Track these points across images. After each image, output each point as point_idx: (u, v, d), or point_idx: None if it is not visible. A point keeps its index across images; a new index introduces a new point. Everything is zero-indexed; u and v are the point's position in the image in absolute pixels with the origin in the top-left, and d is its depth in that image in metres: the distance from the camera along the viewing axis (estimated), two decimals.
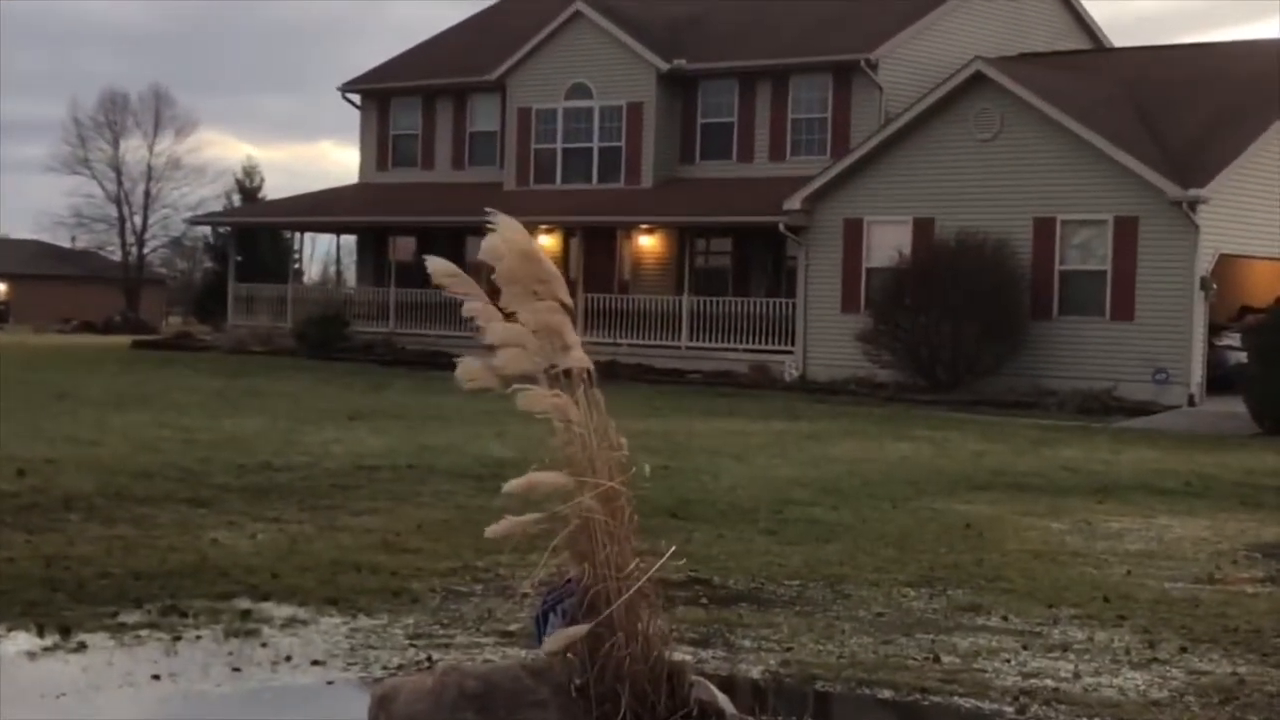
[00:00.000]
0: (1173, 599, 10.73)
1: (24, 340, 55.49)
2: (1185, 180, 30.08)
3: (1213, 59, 36.13)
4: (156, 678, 8.06)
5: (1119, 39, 42.76)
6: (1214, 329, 31.31)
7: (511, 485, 6.49)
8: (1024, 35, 38.52)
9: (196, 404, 25.12)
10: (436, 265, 6.72)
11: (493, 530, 6.53)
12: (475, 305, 6.70)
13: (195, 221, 63.22)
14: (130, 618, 9.26)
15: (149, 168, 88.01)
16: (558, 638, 6.33)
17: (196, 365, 37.64)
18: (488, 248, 6.60)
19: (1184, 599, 10.74)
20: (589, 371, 6.61)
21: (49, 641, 8.68)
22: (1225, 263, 31.24)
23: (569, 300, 6.75)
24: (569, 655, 6.43)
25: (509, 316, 6.66)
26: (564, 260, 39.46)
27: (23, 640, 8.75)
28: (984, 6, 38.41)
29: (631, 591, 6.44)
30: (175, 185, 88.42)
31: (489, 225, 6.67)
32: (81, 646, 8.59)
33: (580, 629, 6.31)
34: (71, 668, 8.22)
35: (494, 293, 6.72)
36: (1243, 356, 28.56)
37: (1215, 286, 30.70)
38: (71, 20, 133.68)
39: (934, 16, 37.32)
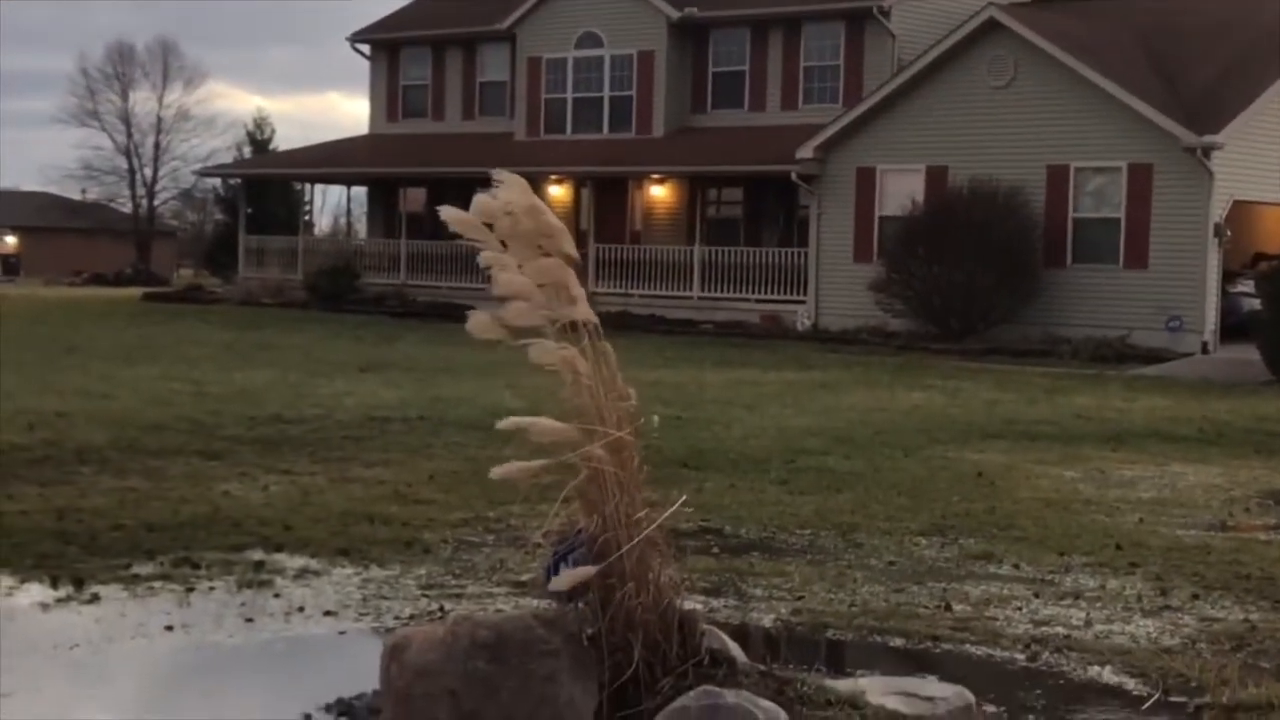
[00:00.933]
0: (1185, 546, 10.75)
1: (34, 293, 55.57)
2: (1199, 127, 29.96)
3: (1227, 6, 35.86)
4: (169, 629, 8.11)
5: None
6: (1228, 276, 31.23)
7: (505, 424, 6.51)
8: None
9: (207, 357, 25.17)
10: (451, 214, 6.71)
11: (497, 471, 6.54)
12: (489, 254, 6.70)
13: (205, 173, 63.01)
14: (143, 569, 9.31)
15: (158, 119, 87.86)
16: (565, 577, 6.35)
17: (207, 317, 37.68)
18: (478, 206, 6.59)
19: (1196, 546, 10.76)
20: (595, 324, 6.62)
21: (62, 593, 8.73)
22: (1239, 209, 31.14)
23: (574, 254, 6.74)
24: (580, 605, 6.45)
25: (522, 266, 6.66)
26: (575, 210, 39.42)
27: (36, 592, 8.81)
28: None
29: (640, 539, 6.45)
30: (185, 137, 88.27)
31: (495, 181, 6.67)
32: (95, 598, 8.64)
33: (589, 569, 6.32)
34: (84, 619, 8.27)
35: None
36: (1256, 303, 28.45)
37: (1229, 233, 30.62)
38: None
39: None
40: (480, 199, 6.64)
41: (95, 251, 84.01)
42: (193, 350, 26.54)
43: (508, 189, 6.65)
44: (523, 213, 6.61)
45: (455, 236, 6.84)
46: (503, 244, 6.67)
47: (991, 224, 31.21)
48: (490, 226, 6.63)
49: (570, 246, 6.72)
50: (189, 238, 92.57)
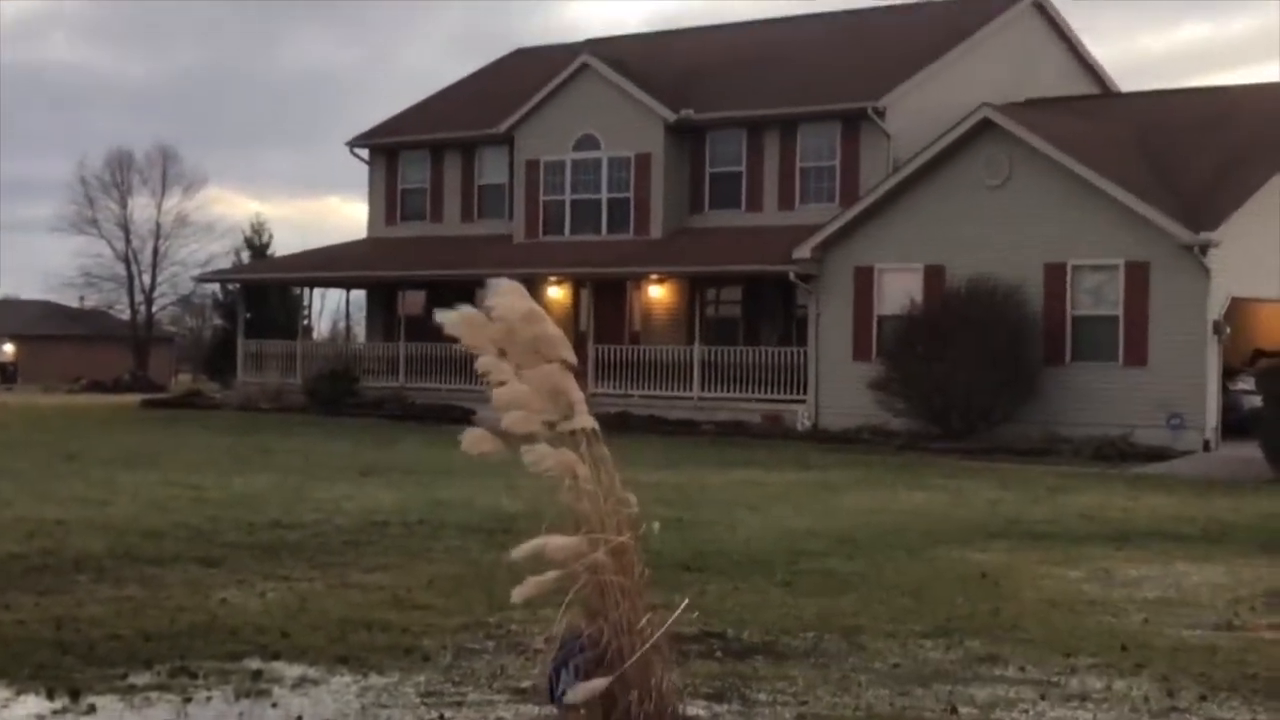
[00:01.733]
0: (1191, 646, 10.68)
1: (33, 400, 55.56)
2: (1195, 224, 30.13)
3: (1220, 103, 36.26)
4: None
5: (1125, 83, 43.00)
6: (1228, 373, 31.27)
7: (521, 550, 6.49)
8: (1030, 80, 38.63)
9: (206, 462, 25.12)
10: (450, 317, 6.73)
11: (518, 593, 6.52)
12: (486, 360, 6.72)
13: (204, 279, 63.24)
14: (140, 679, 9.23)
15: (157, 225, 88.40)
16: (580, 690, 6.31)
17: (206, 423, 37.66)
18: (444, 318, 6.61)
19: (1202, 646, 10.69)
20: (594, 430, 6.63)
21: (58, 704, 8.64)
22: (1237, 306, 31.25)
23: (573, 359, 6.76)
24: (583, 712, 6.41)
25: (521, 372, 6.68)
26: (574, 311, 39.54)
27: (32, 703, 8.72)
28: (990, 52, 38.59)
29: (645, 647, 6.42)
30: (183, 243, 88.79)
31: (488, 288, 6.70)
32: (91, 709, 8.55)
33: (601, 682, 6.29)
34: None
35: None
36: (1257, 400, 28.50)
37: (1228, 330, 30.70)
38: (76, 79, 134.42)
39: (941, 64, 37.50)
40: (445, 316, 6.67)
41: (93, 358, 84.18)
42: (191, 456, 26.50)
43: (505, 295, 6.68)
44: (520, 320, 6.64)
45: (455, 339, 6.86)
46: (500, 350, 6.70)
47: (990, 323, 31.31)
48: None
49: (568, 353, 6.75)
50: (187, 343, 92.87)
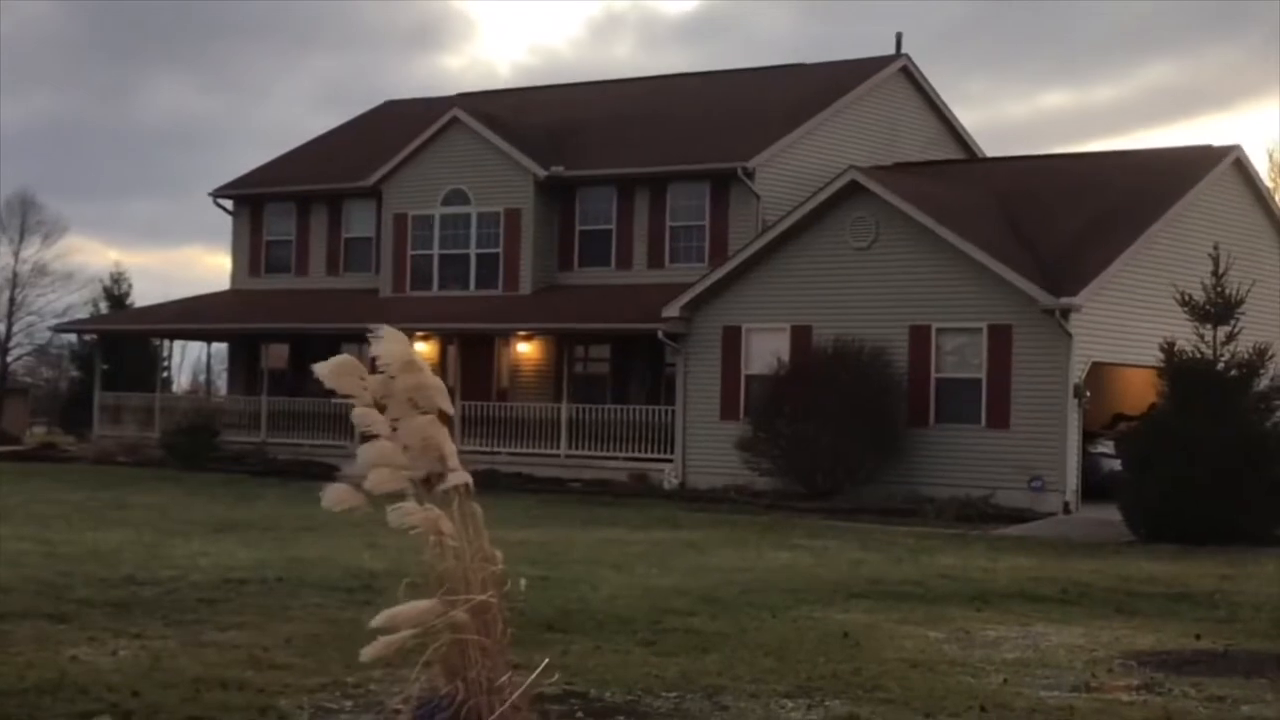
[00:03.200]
0: (1049, 707, 10.78)
1: None
2: (1057, 289, 30.61)
3: (1083, 169, 36.96)
4: None
5: (990, 148, 43.71)
6: (1088, 436, 31.76)
7: (378, 620, 6.44)
8: (898, 144, 39.25)
9: (59, 516, 24.62)
10: (325, 369, 6.69)
11: (367, 653, 6.47)
12: (361, 411, 6.69)
13: (61, 329, 62.16)
14: None
15: (14, 274, 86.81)
16: None
17: (61, 477, 36.92)
18: (322, 369, 6.59)
19: (1060, 707, 10.80)
20: (466, 485, 6.61)
21: None
22: (1098, 370, 31.77)
23: (450, 409, 6.75)
24: None
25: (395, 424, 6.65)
26: (441, 367, 39.26)
27: None
28: (859, 117, 39.12)
29: (504, 708, 6.40)
30: (41, 292, 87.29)
31: (370, 335, 6.68)
32: None
33: None
34: None
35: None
36: (1117, 464, 28.98)
37: (1089, 394, 31.17)
38: None
39: (809, 126, 37.92)
40: (320, 368, 6.63)
41: None
42: (44, 510, 25.96)
43: (388, 342, 6.66)
44: (400, 368, 6.62)
45: (319, 393, 6.84)
46: (375, 402, 6.66)
47: (856, 384, 31.57)
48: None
49: (445, 402, 6.73)
50: (43, 395, 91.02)
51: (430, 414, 6.68)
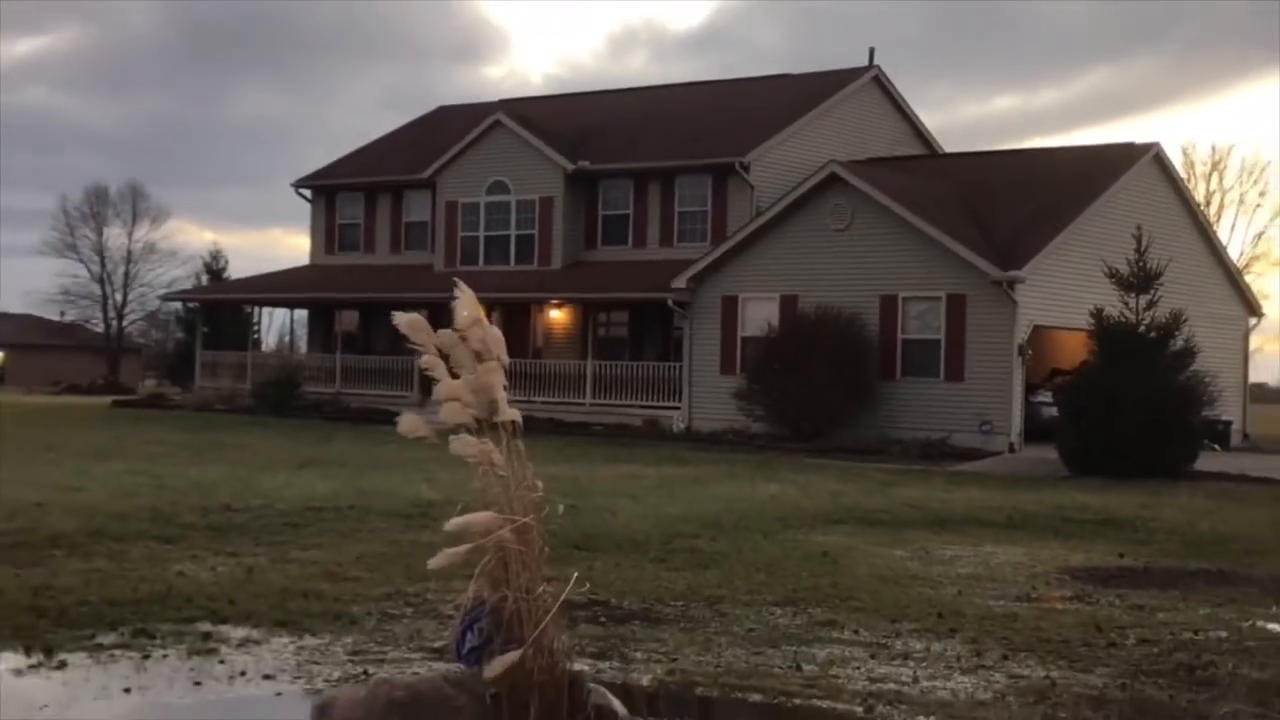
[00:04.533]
0: (996, 615, 10.82)
1: (17, 400, 54.41)
2: (1005, 264, 30.61)
3: (1029, 163, 36.89)
4: (127, 691, 7.90)
5: (949, 145, 43.54)
6: (1030, 388, 31.75)
7: (452, 524, 6.43)
8: (870, 142, 39.08)
9: (166, 454, 24.74)
10: (404, 320, 6.67)
11: (434, 562, 6.46)
12: (431, 360, 6.67)
13: (168, 298, 62.41)
14: (106, 639, 9.08)
15: (128, 252, 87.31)
16: (498, 664, 6.24)
17: (168, 422, 37.08)
18: (403, 320, 6.58)
19: (1005, 615, 10.83)
20: (515, 424, 6.59)
21: (34, 660, 8.49)
22: (1038, 332, 31.75)
23: (506, 360, 6.73)
24: (486, 673, 6.37)
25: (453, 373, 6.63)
26: None
27: (11, 660, 8.55)
28: (837, 118, 38.97)
29: (541, 613, 6.40)
30: (151, 267, 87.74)
31: (455, 296, 6.67)
32: (62, 665, 8.40)
33: (515, 654, 6.23)
34: (53, 683, 8.04)
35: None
36: (1054, 411, 28.97)
37: (1030, 352, 31.18)
38: (58, 125, 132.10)
39: (796, 126, 37.80)
40: (401, 318, 6.62)
41: (72, 365, 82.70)
42: (154, 449, 26.08)
43: (462, 301, 6.65)
44: (470, 322, 6.59)
45: (384, 351, 6.82)
46: (439, 351, 6.64)
47: (835, 344, 31.60)
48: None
49: (502, 355, 6.69)
50: (153, 353, 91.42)
51: (491, 363, 6.64)
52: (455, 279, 6.76)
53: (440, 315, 6.88)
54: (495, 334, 6.68)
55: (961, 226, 32.05)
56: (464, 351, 6.59)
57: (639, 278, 36.64)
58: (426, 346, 6.65)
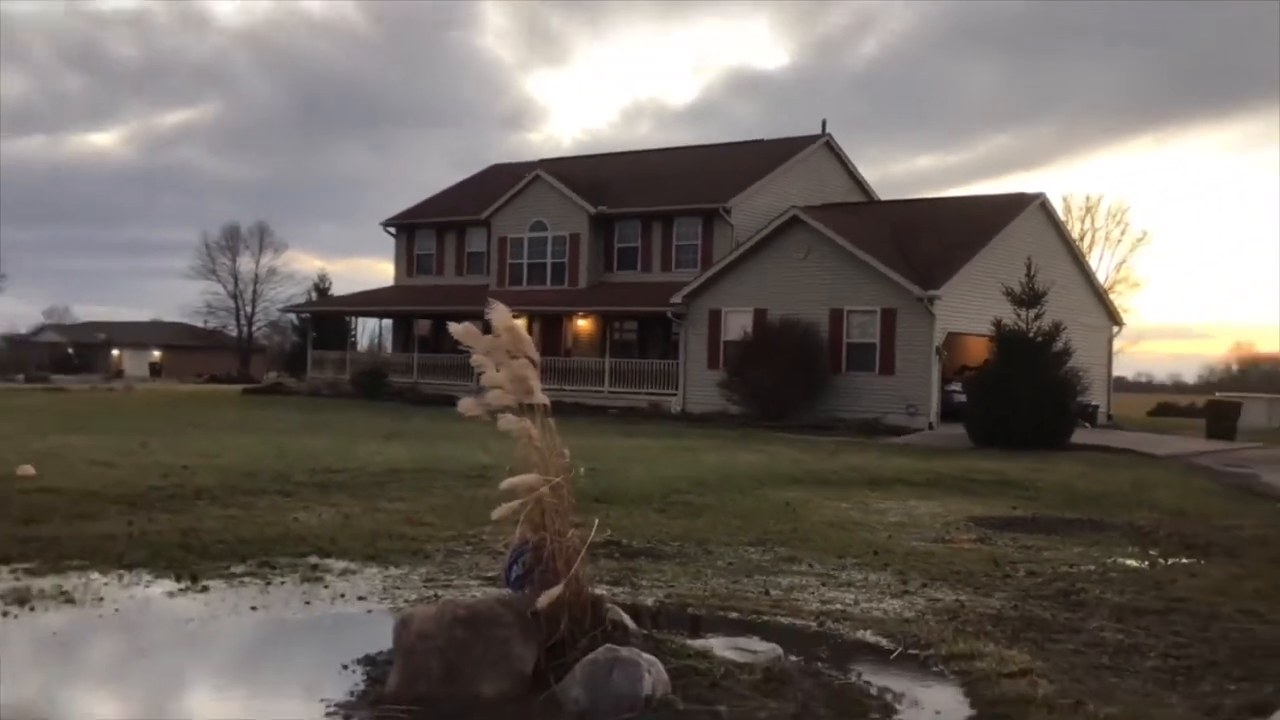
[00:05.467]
0: (918, 552, 10.83)
1: (171, 388, 54.55)
2: (925, 285, 30.54)
3: (944, 208, 36.79)
4: (254, 609, 7.94)
5: (884, 194, 43.33)
6: (945, 380, 31.69)
7: (506, 483, 6.44)
8: (824, 192, 38.97)
9: (285, 429, 24.80)
10: (457, 330, 6.68)
11: (497, 513, 6.45)
12: (479, 358, 6.68)
13: (286, 310, 62.36)
14: (237, 569, 9.11)
15: (255, 275, 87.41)
16: (545, 597, 6.22)
17: (285, 405, 37.15)
18: (456, 329, 6.59)
19: (925, 552, 10.84)
20: (546, 406, 6.60)
21: (183, 585, 8.53)
22: (951, 337, 31.68)
23: (536, 358, 6.73)
24: (527, 591, 6.37)
25: (499, 368, 6.64)
26: (529, 334, 39.28)
27: (166, 584, 8.59)
28: (798, 173, 38.85)
29: (571, 551, 6.40)
30: (272, 286, 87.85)
31: (488, 311, 6.67)
32: (204, 588, 8.44)
33: (558, 589, 6.21)
34: (197, 603, 8.07)
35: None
36: (963, 398, 28.93)
37: (945, 353, 31.11)
38: (203, 177, 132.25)
39: (766, 179, 37.70)
40: (456, 327, 6.63)
41: (212, 361, 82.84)
42: (275, 425, 26.13)
43: (496, 313, 6.66)
44: (504, 330, 6.61)
45: (449, 350, 6.82)
46: (487, 352, 6.64)
47: (795, 346, 31.56)
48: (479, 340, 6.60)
49: (534, 353, 6.71)
50: (275, 352, 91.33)
51: (523, 359, 6.64)
52: (491, 299, 6.77)
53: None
54: (525, 337, 6.68)
55: (892, 256, 32.00)
56: (501, 351, 6.60)
57: (645, 295, 36.60)
58: (476, 348, 6.66)
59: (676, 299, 34.69)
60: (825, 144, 40.32)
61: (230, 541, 10.23)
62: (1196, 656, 7.14)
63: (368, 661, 6.58)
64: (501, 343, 6.56)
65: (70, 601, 7.97)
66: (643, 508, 13.42)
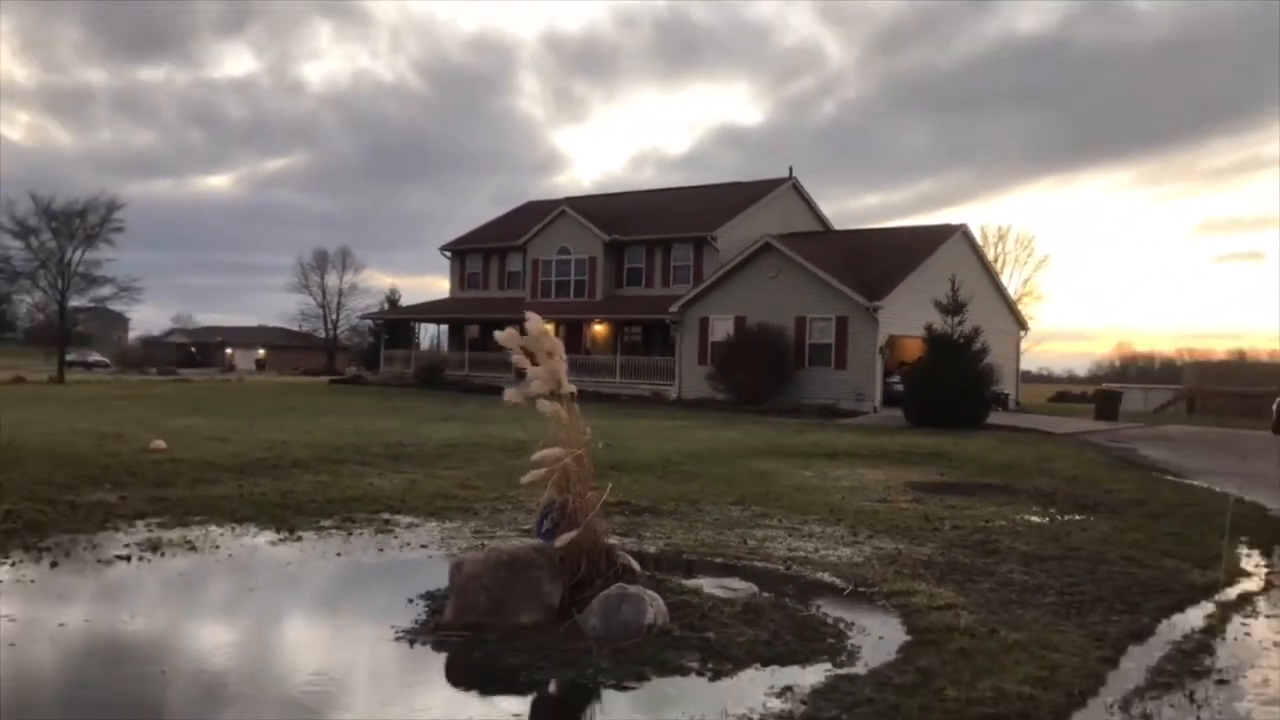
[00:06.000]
0: (866, 511, 10.82)
1: (273, 380, 54.58)
2: (871, 297, 30.45)
3: (887, 236, 36.67)
4: (339, 555, 7.95)
5: (838, 225, 43.15)
6: (887, 373, 31.60)
7: (536, 455, 6.46)
8: (790, 223, 38.83)
9: (363, 412, 24.81)
10: (501, 336, 6.70)
11: (526, 479, 6.47)
12: (520, 357, 6.71)
13: (364, 317, 62.49)
14: (325, 523, 9.13)
15: (339, 290, 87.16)
16: (564, 539, 6.23)
17: (363, 393, 37.14)
18: (500, 336, 6.62)
19: (870, 510, 10.83)
20: (573, 394, 6.61)
21: (282, 535, 8.54)
22: (892, 339, 31.57)
23: (564, 356, 6.76)
24: (556, 543, 6.38)
25: (534, 364, 6.65)
26: (557, 337, 39.16)
27: (269, 535, 8.61)
28: (770, 208, 38.69)
29: (589, 509, 6.41)
30: (353, 299, 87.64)
31: (525, 319, 6.68)
32: (299, 538, 8.45)
33: (573, 533, 6.24)
34: (293, 549, 8.09)
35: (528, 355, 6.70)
36: (901, 388, 28.84)
37: (887, 352, 31.03)
38: (296, 211, 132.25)
39: (745, 213, 37.59)
40: (500, 334, 6.65)
41: (305, 358, 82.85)
42: (355, 409, 26.14)
43: (531, 321, 6.69)
44: (538, 335, 6.63)
45: (494, 349, 6.82)
46: (525, 352, 6.67)
47: (768, 347, 31.48)
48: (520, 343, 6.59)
49: (562, 353, 6.74)
50: (355, 350, 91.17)
51: (556, 358, 6.66)
52: (528, 310, 6.80)
53: None
54: (556, 341, 6.71)
55: (845, 275, 31.91)
56: (538, 351, 6.63)
57: (649, 306, 36.52)
58: (516, 349, 6.68)
59: (673, 309, 34.63)
60: (792, 185, 40.23)
61: (320, 501, 10.25)
62: (1087, 593, 7.14)
63: (428, 596, 6.60)
64: (542, 344, 6.59)
65: (193, 549, 8.00)
66: (646, 475, 13.42)
